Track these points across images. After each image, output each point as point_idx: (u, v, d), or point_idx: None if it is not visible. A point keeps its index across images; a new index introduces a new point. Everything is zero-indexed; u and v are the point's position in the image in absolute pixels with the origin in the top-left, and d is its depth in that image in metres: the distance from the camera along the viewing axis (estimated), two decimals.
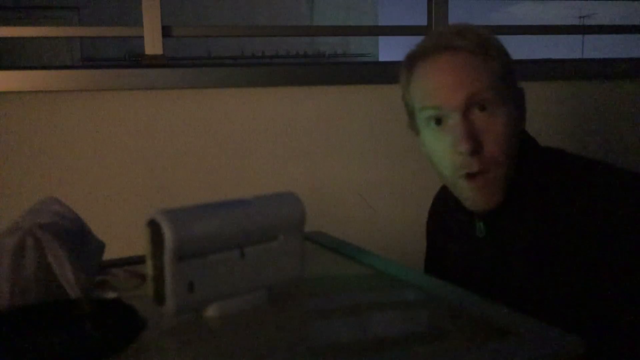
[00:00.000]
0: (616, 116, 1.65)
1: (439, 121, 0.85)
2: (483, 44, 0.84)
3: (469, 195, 0.86)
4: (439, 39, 0.86)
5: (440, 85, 0.83)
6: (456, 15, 1.58)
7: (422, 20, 1.58)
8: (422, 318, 0.75)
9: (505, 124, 0.83)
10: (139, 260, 0.85)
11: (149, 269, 0.66)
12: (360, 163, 1.45)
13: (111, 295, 0.75)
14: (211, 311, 0.69)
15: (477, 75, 0.82)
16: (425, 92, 0.86)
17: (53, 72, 1.26)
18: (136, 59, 1.36)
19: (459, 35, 0.84)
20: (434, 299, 0.76)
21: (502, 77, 0.84)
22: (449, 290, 0.77)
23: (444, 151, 0.85)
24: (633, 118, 1.67)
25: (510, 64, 0.87)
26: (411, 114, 0.91)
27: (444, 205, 1.01)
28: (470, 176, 0.83)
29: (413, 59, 0.88)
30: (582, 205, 0.80)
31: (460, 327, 0.69)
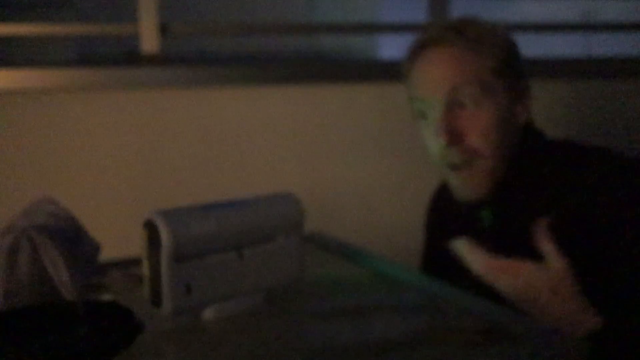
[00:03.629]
0: (620, 115, 1.65)
1: (424, 114, 0.88)
2: (477, 39, 0.86)
3: (455, 185, 0.88)
4: (433, 33, 0.89)
5: (425, 78, 0.87)
6: (457, 14, 1.57)
7: (423, 18, 1.57)
8: (422, 320, 0.74)
9: (491, 119, 0.85)
10: (136, 261, 0.84)
11: (145, 270, 0.66)
12: (360, 163, 1.45)
13: (107, 297, 0.74)
14: (209, 313, 0.68)
15: (463, 70, 0.84)
16: (413, 84, 0.90)
17: (48, 70, 1.25)
18: (135, 57, 1.36)
19: (454, 29, 0.87)
20: (434, 300, 0.75)
21: (496, 72, 0.86)
22: (449, 291, 0.76)
23: (429, 141, 0.89)
24: (637, 117, 1.66)
25: (510, 59, 0.88)
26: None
27: (444, 199, 1.02)
28: (455, 167, 0.86)
29: (411, 52, 0.91)
30: (588, 194, 0.81)
31: (461, 329, 0.68)
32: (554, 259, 0.73)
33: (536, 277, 0.73)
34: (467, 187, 0.87)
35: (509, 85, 0.87)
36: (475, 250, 0.78)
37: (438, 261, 1.04)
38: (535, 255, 0.85)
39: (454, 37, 0.86)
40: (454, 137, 0.84)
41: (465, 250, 0.79)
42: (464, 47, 0.85)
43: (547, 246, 0.74)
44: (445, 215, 1.02)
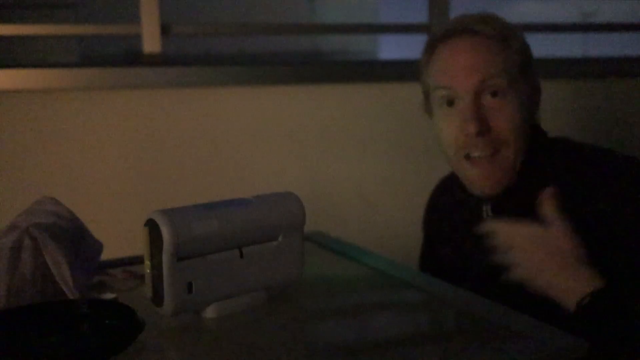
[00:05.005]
0: (618, 115, 1.65)
1: (451, 102, 0.87)
2: (504, 32, 0.86)
3: (472, 178, 0.87)
4: (461, 22, 0.88)
5: (454, 67, 0.86)
6: (458, 13, 1.57)
7: (423, 18, 1.57)
8: (422, 318, 0.74)
9: (516, 112, 0.85)
10: (138, 260, 0.85)
11: (147, 269, 0.66)
12: (360, 162, 1.45)
13: (109, 296, 0.74)
14: (210, 312, 0.68)
15: (493, 60, 0.85)
16: (440, 72, 0.88)
17: (50, 71, 1.25)
18: (136, 57, 1.37)
19: (481, 20, 0.87)
20: (434, 299, 0.75)
21: (519, 68, 0.86)
22: (449, 291, 0.76)
23: (451, 131, 0.87)
24: (635, 117, 1.66)
25: (529, 57, 0.89)
26: (426, 95, 0.93)
27: (444, 194, 1.03)
28: (474, 160, 0.85)
29: (434, 41, 0.90)
30: (588, 191, 0.81)
31: (461, 328, 0.68)
32: (554, 222, 0.74)
33: (540, 235, 0.74)
34: (484, 180, 0.86)
35: (528, 82, 0.88)
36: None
37: (436, 259, 1.04)
38: None
39: (482, 27, 0.86)
40: (483, 127, 0.83)
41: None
42: (492, 38, 0.86)
43: (548, 210, 0.74)
44: (444, 213, 1.02)
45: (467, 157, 0.86)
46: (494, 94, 0.84)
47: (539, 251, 0.74)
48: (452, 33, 0.88)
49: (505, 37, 0.86)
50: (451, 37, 0.88)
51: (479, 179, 0.86)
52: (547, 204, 0.75)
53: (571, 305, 0.72)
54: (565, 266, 0.73)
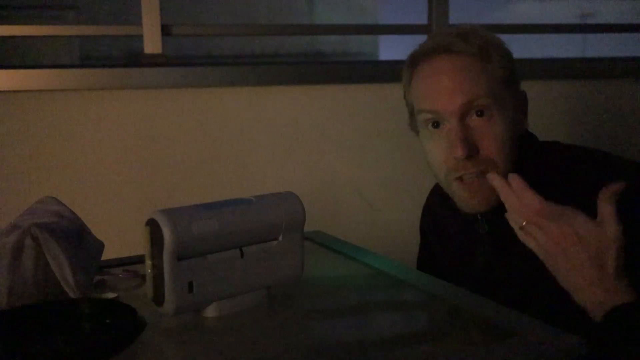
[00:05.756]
0: (617, 116, 1.65)
1: (436, 124, 0.85)
2: (485, 48, 0.84)
3: (462, 198, 0.86)
4: (440, 40, 0.86)
5: (437, 89, 0.84)
6: (457, 14, 1.57)
7: (423, 20, 1.57)
8: (421, 318, 0.75)
9: (503, 129, 0.83)
10: (138, 260, 0.85)
11: (148, 269, 0.66)
12: (360, 162, 1.45)
13: (110, 295, 0.75)
14: (211, 311, 0.69)
15: (476, 80, 0.83)
16: (423, 95, 0.86)
17: (52, 71, 1.26)
18: (136, 58, 1.38)
19: (461, 38, 0.85)
20: (433, 299, 0.76)
21: (504, 82, 0.85)
22: (448, 290, 0.77)
23: (439, 154, 0.85)
24: (634, 117, 1.66)
25: (513, 68, 0.87)
26: (411, 114, 0.92)
27: (440, 202, 1.01)
28: (464, 180, 0.84)
29: (415, 60, 0.89)
30: (582, 198, 0.80)
31: (460, 328, 0.68)
32: (611, 222, 0.69)
33: (587, 231, 0.70)
34: (475, 199, 0.84)
35: (513, 95, 0.86)
36: (527, 190, 0.74)
37: (434, 263, 1.04)
38: (531, 261, 0.85)
39: (463, 46, 0.84)
40: (471, 150, 0.82)
41: (517, 185, 0.74)
42: (473, 56, 0.84)
43: (607, 208, 0.70)
44: (441, 220, 1.02)
45: (458, 178, 0.84)
46: (480, 114, 0.83)
47: (580, 251, 0.70)
48: (433, 52, 0.86)
49: (487, 52, 0.84)
50: (432, 56, 0.85)
51: (469, 197, 0.85)
52: (607, 202, 0.70)
53: (597, 316, 0.69)
54: (601, 277, 0.70)
